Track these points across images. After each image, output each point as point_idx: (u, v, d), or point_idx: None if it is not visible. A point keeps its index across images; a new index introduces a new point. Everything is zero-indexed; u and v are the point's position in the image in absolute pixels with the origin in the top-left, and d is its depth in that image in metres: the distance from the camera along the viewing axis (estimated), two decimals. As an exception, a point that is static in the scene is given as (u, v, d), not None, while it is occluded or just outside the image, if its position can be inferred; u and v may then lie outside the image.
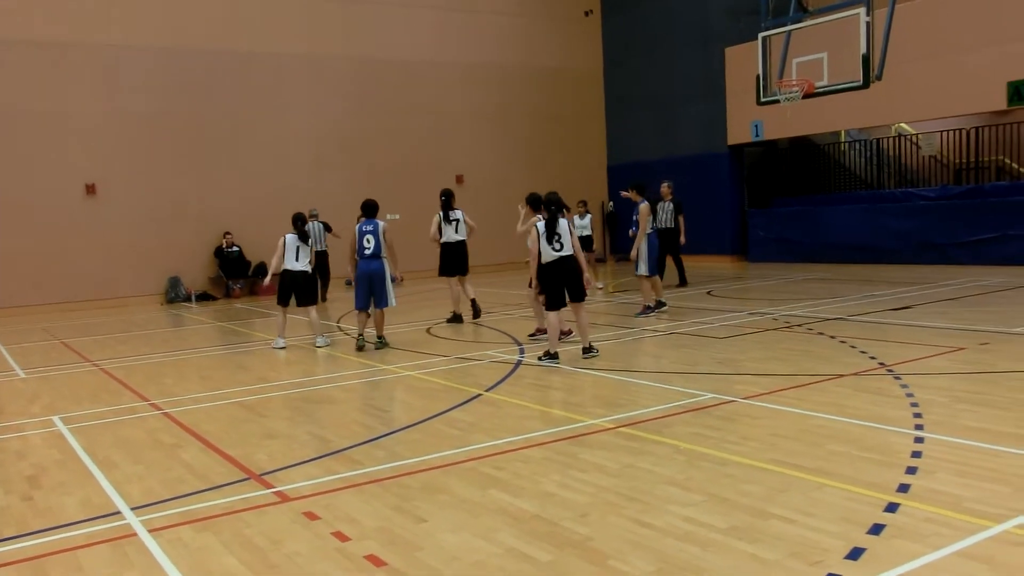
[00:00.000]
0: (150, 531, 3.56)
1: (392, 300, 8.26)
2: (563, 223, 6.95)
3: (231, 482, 4.21)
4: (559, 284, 6.98)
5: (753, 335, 8.00)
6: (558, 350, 7.08)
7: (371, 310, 8.39)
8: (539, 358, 7.12)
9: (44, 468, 4.68)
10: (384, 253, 8.14)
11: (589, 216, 12.47)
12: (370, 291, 8.16)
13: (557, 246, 6.92)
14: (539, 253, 7.00)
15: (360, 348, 8.13)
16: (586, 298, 7.16)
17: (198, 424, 5.52)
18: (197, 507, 3.84)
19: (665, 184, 12.30)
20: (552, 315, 7.06)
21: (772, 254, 17.02)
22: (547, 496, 3.72)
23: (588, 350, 7.12)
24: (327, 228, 13.93)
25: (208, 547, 3.35)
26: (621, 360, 7.13)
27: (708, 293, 11.92)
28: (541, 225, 6.99)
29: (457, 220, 9.97)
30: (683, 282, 12.71)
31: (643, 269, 9.49)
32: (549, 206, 6.98)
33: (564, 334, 7.72)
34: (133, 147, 15.15)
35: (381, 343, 8.32)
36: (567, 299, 7.05)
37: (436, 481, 4.03)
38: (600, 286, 12.38)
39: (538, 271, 7.06)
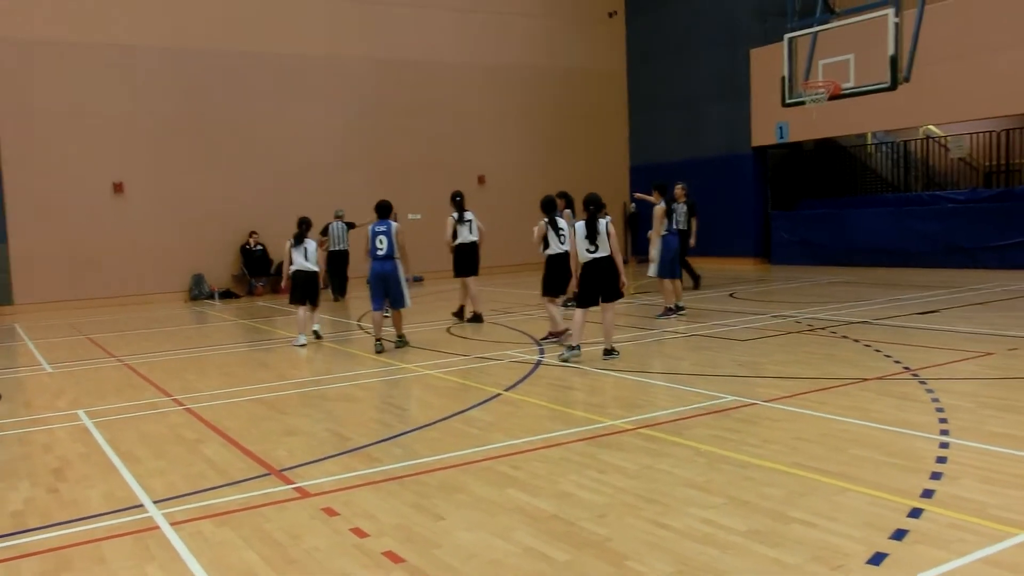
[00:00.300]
0: (172, 524, 3.61)
1: (407, 301, 8.28)
2: (603, 224, 7.00)
3: (251, 477, 4.26)
4: (592, 284, 7.04)
5: (775, 338, 7.91)
6: (579, 344, 7.10)
7: (388, 311, 8.42)
8: (560, 356, 7.12)
9: (69, 461, 4.77)
10: (397, 254, 8.10)
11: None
12: (385, 292, 8.17)
13: (593, 247, 6.97)
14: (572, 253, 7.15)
15: (379, 352, 8.08)
16: (619, 300, 7.21)
17: (219, 420, 5.58)
18: (218, 502, 3.89)
19: (679, 186, 12.16)
20: (578, 312, 7.12)
21: (796, 257, 16.80)
22: (565, 496, 3.70)
23: (609, 352, 7.11)
24: (350, 226, 13.97)
25: (228, 541, 3.38)
26: (641, 361, 7.09)
27: (730, 295, 11.80)
28: (580, 225, 7.03)
29: (470, 221, 10.00)
30: (696, 284, 12.60)
31: (652, 271, 9.56)
32: (588, 206, 7.05)
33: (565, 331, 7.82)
34: (160, 146, 15.41)
35: (401, 342, 8.35)
36: (599, 299, 7.10)
37: (454, 480, 4.04)
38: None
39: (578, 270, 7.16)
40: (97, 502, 3.99)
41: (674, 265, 9.64)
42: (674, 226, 9.77)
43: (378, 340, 8.20)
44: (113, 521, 3.70)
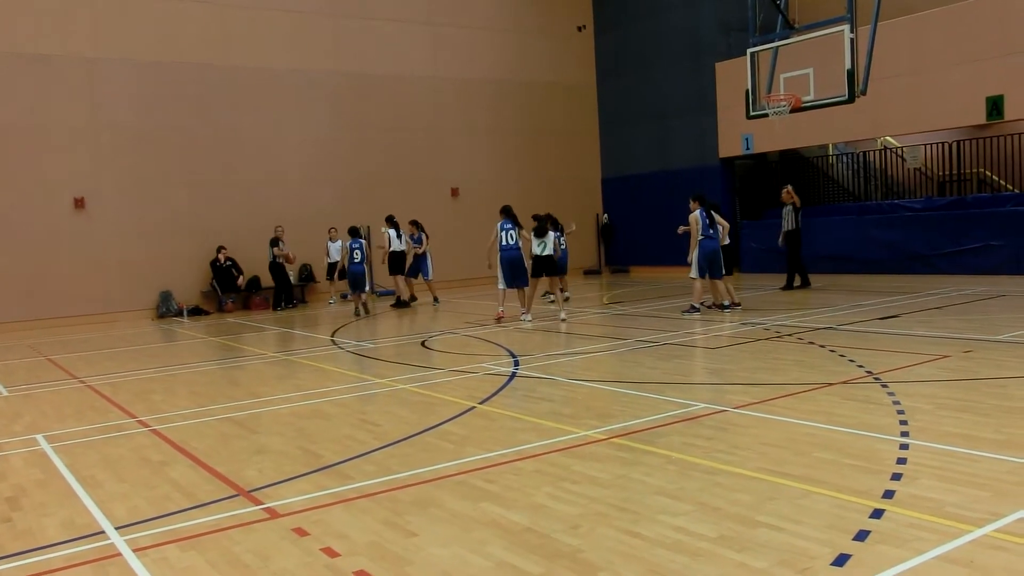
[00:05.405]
0: (134, 551, 3.51)
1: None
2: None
3: (219, 499, 4.17)
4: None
5: (745, 345, 8.04)
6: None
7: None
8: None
9: (24, 489, 4.60)
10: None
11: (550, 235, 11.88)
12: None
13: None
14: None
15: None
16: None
17: (187, 441, 5.47)
18: (184, 525, 3.80)
19: (784, 189, 13.04)
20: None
21: (764, 265, 17.11)
22: (539, 508, 3.71)
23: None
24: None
25: (194, 566, 3.31)
26: (614, 371, 7.16)
27: (701, 303, 11.95)
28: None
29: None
30: (805, 283, 13.44)
31: (694, 272, 10.57)
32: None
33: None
34: (122, 160, 15.10)
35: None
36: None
37: (427, 495, 4.02)
38: (563, 318, 10.95)
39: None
40: (54, 530, 3.85)
41: (712, 267, 10.54)
42: (710, 231, 10.60)
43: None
44: (72, 550, 3.58)
